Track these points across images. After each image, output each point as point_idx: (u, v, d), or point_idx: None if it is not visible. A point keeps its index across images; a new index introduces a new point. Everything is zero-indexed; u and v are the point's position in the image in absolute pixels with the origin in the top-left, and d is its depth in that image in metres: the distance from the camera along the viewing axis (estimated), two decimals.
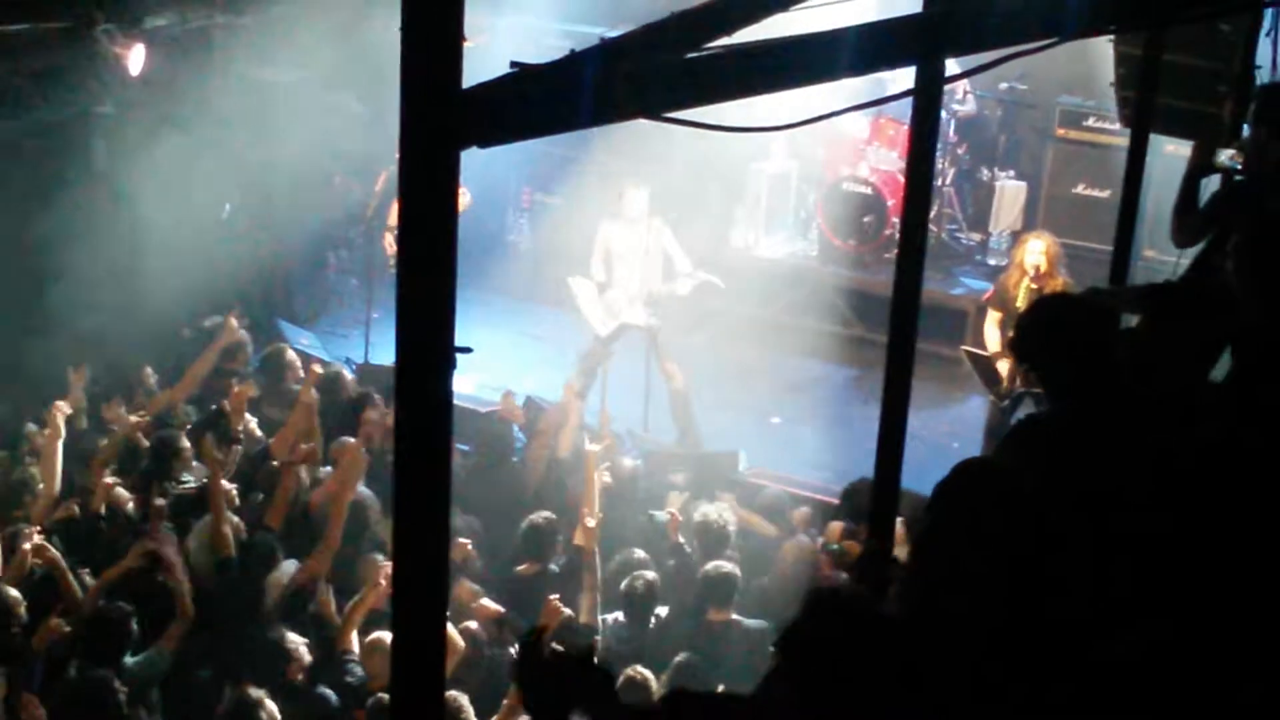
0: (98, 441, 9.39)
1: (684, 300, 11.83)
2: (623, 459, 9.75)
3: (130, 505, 8.70)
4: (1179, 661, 3.62)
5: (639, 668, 7.16)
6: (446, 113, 2.65)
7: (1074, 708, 3.54)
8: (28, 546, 7.72)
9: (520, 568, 8.48)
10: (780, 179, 14.40)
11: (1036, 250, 10.16)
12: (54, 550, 7.78)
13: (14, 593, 7.41)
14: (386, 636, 6.50)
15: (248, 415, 9.68)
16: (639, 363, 11.63)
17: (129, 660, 7.28)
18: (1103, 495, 4.07)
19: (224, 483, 8.30)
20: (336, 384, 10.38)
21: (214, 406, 9.80)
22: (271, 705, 6.85)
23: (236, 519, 8.32)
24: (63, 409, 9.01)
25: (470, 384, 11.25)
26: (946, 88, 4.37)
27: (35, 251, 10.99)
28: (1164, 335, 5.29)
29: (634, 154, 12.35)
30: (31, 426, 9.48)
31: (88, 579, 7.93)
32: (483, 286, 12.87)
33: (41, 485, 8.77)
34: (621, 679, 6.75)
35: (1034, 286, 10.08)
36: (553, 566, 8.47)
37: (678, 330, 12.08)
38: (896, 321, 4.50)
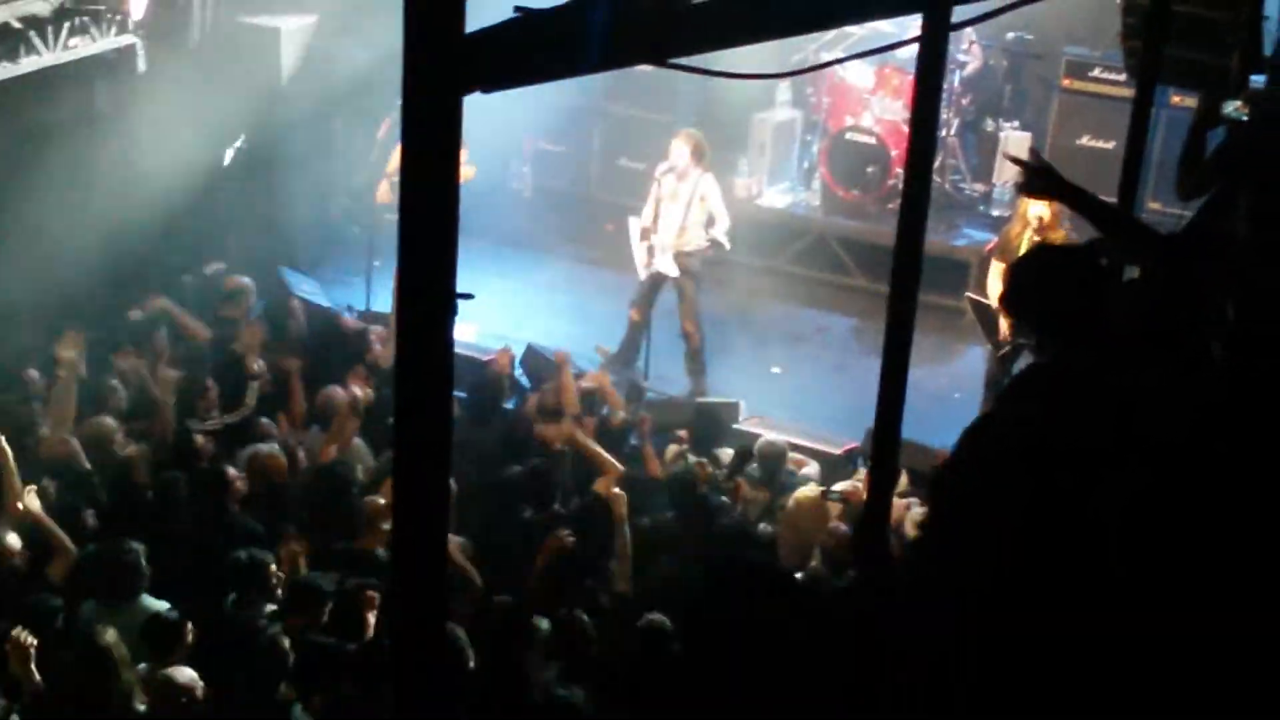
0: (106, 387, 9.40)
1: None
2: (615, 412, 9.77)
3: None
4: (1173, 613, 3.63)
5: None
6: (449, 57, 2.63)
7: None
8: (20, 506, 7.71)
9: (526, 514, 8.45)
10: (784, 128, 14.36)
11: (1040, 202, 10.13)
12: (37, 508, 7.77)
13: (13, 539, 7.46)
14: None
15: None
16: None
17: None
18: (1085, 447, 4.07)
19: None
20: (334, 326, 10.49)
21: (230, 348, 9.89)
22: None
23: None
24: (70, 349, 9.02)
25: (471, 332, 11.24)
26: (952, 38, 4.34)
27: (33, 195, 10.94)
28: (1166, 287, 5.27)
29: (636, 101, 12.31)
30: (32, 372, 9.47)
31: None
32: (484, 234, 12.85)
33: (47, 429, 8.78)
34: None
35: (1037, 238, 10.07)
36: (558, 508, 8.44)
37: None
38: (898, 272, 4.47)
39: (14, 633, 6.56)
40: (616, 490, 8.06)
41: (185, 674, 6.49)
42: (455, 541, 7.56)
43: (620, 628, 7.10)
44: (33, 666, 6.56)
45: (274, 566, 7.47)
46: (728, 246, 11.62)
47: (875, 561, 4.41)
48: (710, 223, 11.38)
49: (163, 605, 7.20)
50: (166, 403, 9.24)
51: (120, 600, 7.21)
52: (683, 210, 11.30)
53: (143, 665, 6.76)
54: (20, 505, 7.63)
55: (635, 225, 11.54)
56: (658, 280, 11.53)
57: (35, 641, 6.61)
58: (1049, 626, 3.59)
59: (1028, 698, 3.59)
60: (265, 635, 6.94)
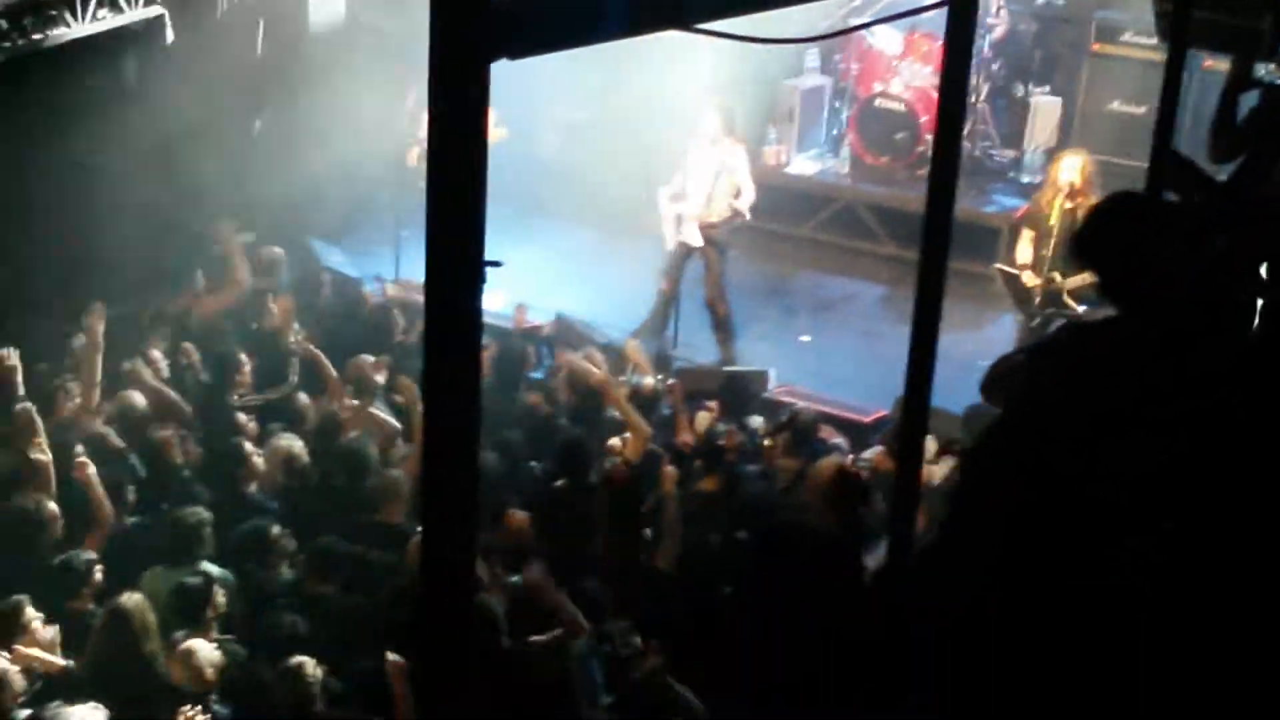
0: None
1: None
2: (644, 379, 9.76)
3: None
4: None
5: None
6: (476, 24, 2.61)
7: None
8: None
9: (557, 484, 8.44)
10: (813, 95, 14.31)
11: (1072, 167, 10.08)
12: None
13: (52, 506, 7.51)
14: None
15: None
16: None
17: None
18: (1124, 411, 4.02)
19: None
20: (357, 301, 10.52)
21: (254, 325, 9.91)
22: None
23: None
24: (98, 320, 9.07)
25: (499, 300, 11.25)
26: (980, 2, 4.30)
27: (63, 169, 10.97)
28: (1201, 251, 5.22)
29: (663, 69, 12.27)
30: (73, 342, 9.54)
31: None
32: (513, 203, 12.85)
33: (79, 396, 8.83)
34: None
35: (1068, 205, 10.01)
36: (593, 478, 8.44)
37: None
38: (928, 239, 4.45)
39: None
40: (669, 468, 8.06)
41: (205, 649, 6.55)
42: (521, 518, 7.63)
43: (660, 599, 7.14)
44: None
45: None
46: (747, 217, 11.58)
47: (903, 531, 4.39)
48: (736, 194, 11.35)
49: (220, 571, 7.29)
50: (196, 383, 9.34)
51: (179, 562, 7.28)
52: (710, 180, 11.28)
53: (180, 633, 6.84)
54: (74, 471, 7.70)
55: (664, 195, 11.52)
56: (686, 250, 11.51)
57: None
58: (1055, 608, 3.55)
59: (1037, 682, 3.54)
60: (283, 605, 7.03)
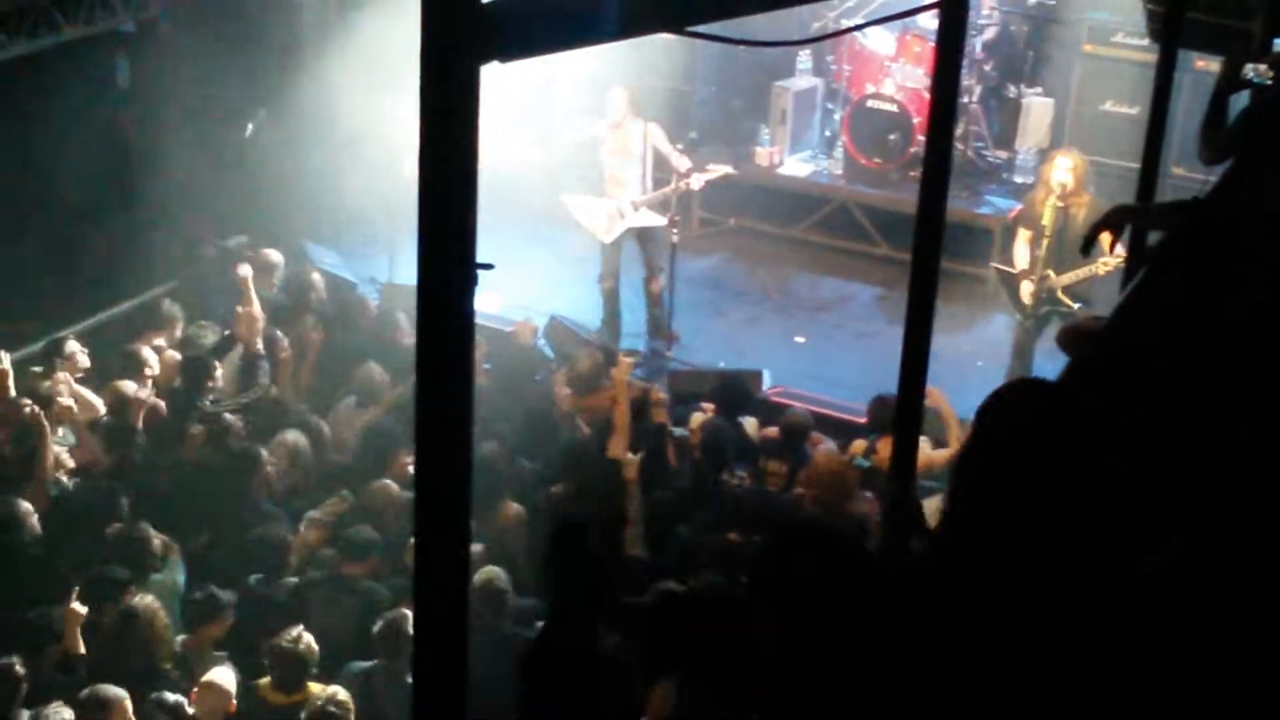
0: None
1: (703, 218, 11.80)
2: (634, 380, 9.75)
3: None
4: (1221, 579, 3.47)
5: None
6: (467, 26, 2.62)
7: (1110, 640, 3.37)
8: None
9: (555, 488, 8.47)
10: (805, 97, 14.30)
11: (1064, 167, 10.09)
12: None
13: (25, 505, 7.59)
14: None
15: (279, 333, 9.79)
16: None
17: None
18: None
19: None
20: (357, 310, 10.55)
21: (226, 332, 9.93)
22: None
23: None
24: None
25: (495, 304, 11.25)
26: (972, 3, 4.30)
27: (56, 171, 10.96)
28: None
29: (657, 70, 12.30)
30: (71, 344, 9.56)
31: None
32: (507, 205, 12.84)
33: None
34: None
35: (1061, 205, 10.03)
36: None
37: (698, 249, 12.07)
38: (920, 240, 4.46)
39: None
40: (630, 455, 8.08)
41: (225, 679, 6.58)
42: None
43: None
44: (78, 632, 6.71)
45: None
46: (734, 172, 11.79)
47: (900, 531, 4.37)
48: (667, 163, 11.40)
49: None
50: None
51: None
52: (639, 163, 11.32)
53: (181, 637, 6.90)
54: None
55: (576, 199, 11.59)
56: (623, 240, 11.57)
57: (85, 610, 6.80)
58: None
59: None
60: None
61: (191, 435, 8.77)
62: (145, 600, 6.84)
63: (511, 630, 6.90)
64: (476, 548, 7.56)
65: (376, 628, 6.84)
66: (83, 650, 6.80)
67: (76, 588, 6.99)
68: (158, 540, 7.49)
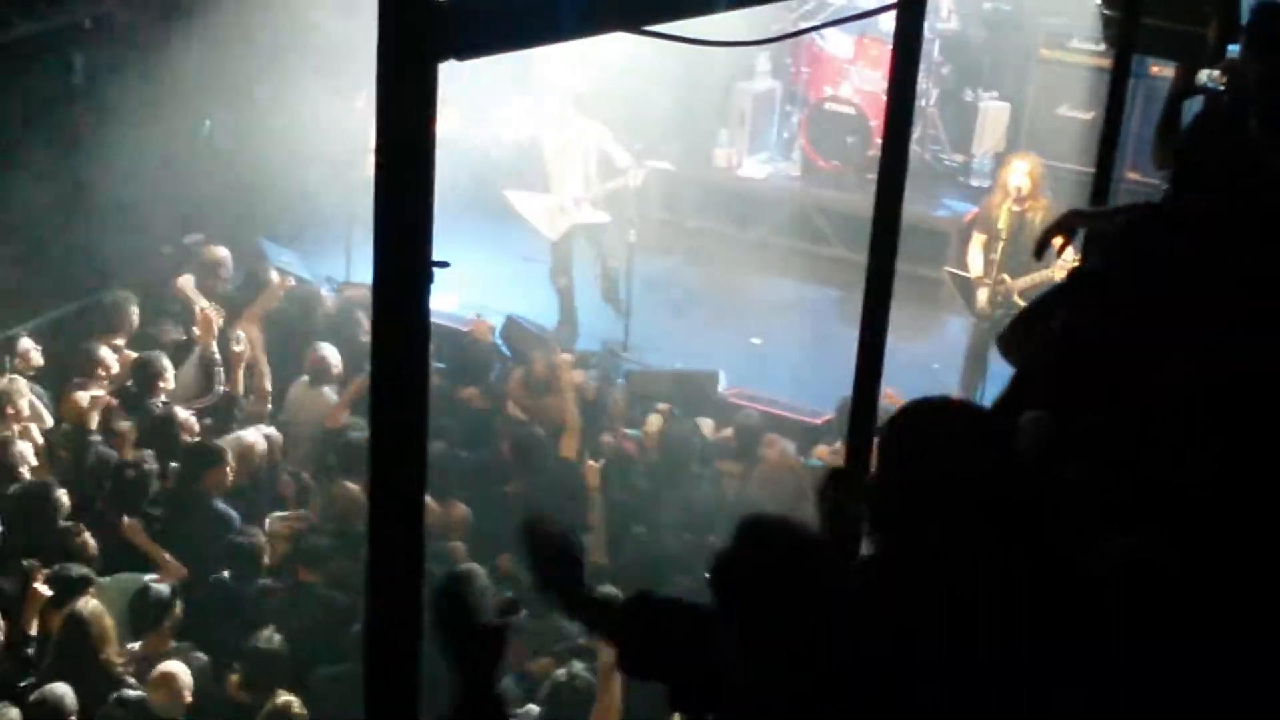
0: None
1: (662, 219, 11.80)
2: (589, 380, 9.78)
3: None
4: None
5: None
6: (424, 24, 2.61)
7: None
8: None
9: (509, 487, 8.47)
10: (764, 98, 14.33)
11: (1020, 171, 10.17)
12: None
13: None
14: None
15: (239, 332, 9.76)
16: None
17: None
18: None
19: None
20: (312, 304, 10.49)
21: (184, 337, 9.88)
22: None
23: None
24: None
25: (452, 303, 11.23)
26: (930, 7, 4.31)
27: (12, 169, 10.88)
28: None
29: (614, 68, 12.29)
30: (24, 342, 9.50)
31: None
32: (464, 204, 12.81)
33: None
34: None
35: (1018, 209, 10.10)
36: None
37: (656, 250, 12.08)
38: (877, 242, 4.48)
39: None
40: (592, 463, 8.10)
41: (183, 672, 6.56)
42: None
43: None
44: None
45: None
46: (672, 168, 11.89)
47: (847, 533, 4.35)
48: (609, 163, 11.42)
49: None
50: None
51: None
52: (581, 160, 11.35)
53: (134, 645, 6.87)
54: None
55: (520, 195, 11.64)
56: (570, 236, 11.60)
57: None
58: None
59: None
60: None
61: (123, 432, 8.72)
62: (90, 605, 6.80)
63: None
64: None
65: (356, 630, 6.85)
66: (34, 631, 6.81)
67: (44, 571, 6.98)
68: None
